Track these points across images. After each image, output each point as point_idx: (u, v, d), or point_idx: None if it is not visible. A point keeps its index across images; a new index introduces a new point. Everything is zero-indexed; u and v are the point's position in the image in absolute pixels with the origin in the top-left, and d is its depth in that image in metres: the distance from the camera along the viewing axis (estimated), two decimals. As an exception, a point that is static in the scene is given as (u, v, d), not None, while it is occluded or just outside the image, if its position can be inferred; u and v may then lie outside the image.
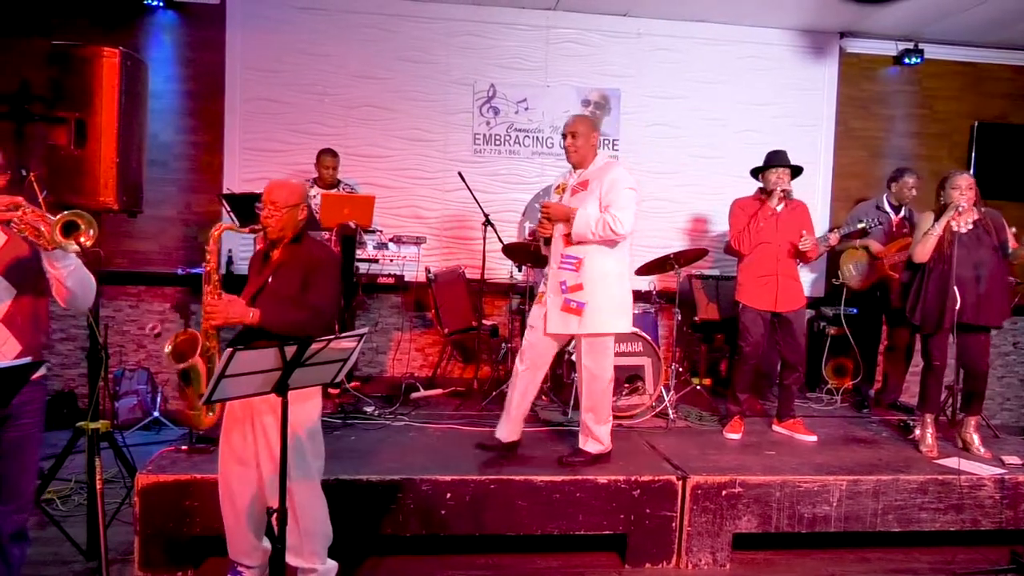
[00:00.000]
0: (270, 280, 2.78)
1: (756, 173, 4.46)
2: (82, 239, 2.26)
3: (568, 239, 3.51)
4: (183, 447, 3.55)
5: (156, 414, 5.32)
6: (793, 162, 4.36)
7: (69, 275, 2.37)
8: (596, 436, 3.64)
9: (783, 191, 4.27)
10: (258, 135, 5.84)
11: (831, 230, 5.10)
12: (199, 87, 5.84)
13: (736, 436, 4.29)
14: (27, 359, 2.32)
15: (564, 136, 3.61)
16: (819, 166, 6.31)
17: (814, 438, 4.27)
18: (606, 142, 6.19)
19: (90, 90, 3.35)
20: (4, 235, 2.37)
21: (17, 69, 5.42)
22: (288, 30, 5.83)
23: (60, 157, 3.36)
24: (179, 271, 5.76)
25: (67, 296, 2.42)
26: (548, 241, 3.64)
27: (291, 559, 2.74)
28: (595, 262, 3.50)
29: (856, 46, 6.42)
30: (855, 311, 5.26)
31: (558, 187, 3.77)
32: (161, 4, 5.64)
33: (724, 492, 3.49)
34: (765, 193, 4.34)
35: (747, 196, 4.49)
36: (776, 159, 4.36)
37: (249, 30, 5.79)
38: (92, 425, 3.11)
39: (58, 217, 2.24)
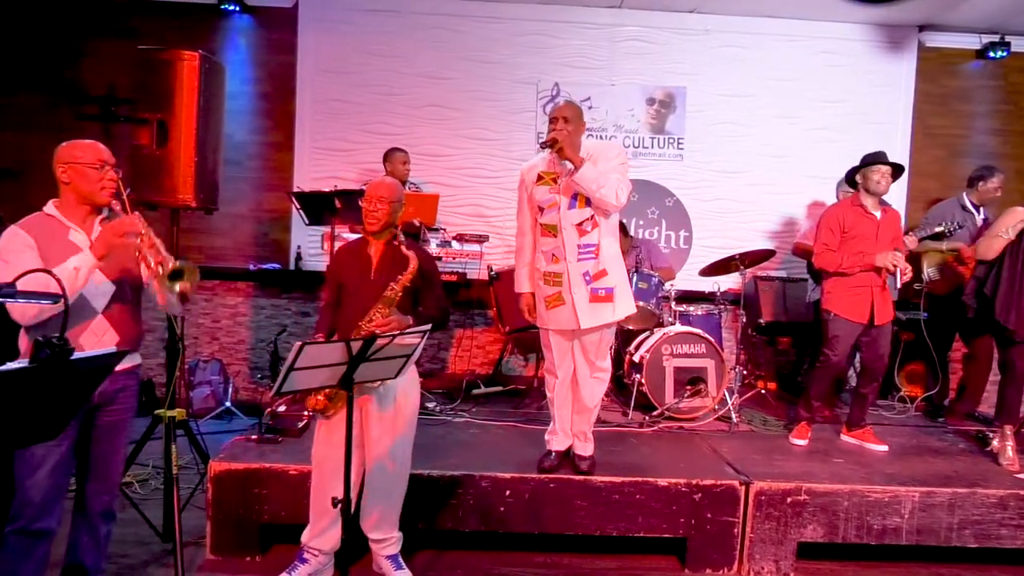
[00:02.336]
0: (374, 280, 2.92)
1: (853, 175, 4.19)
2: (185, 290, 2.42)
3: (581, 229, 3.30)
4: (253, 437, 3.68)
5: (228, 404, 5.51)
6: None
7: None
8: (590, 436, 3.56)
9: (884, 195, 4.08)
10: (327, 135, 5.99)
11: (906, 233, 4.91)
12: (272, 88, 6.03)
13: (803, 442, 4.17)
14: (118, 349, 2.45)
15: (554, 120, 3.27)
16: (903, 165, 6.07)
17: (885, 447, 4.12)
18: (671, 140, 6.12)
19: (171, 92, 3.50)
20: None
21: (103, 72, 5.71)
22: (357, 31, 5.96)
23: (143, 156, 3.52)
24: (251, 267, 5.96)
25: (162, 303, 2.58)
26: (553, 143, 3.21)
27: (376, 534, 3.01)
28: (609, 245, 3.35)
29: (936, 40, 6.15)
30: (927, 316, 5.03)
31: (540, 177, 3.36)
32: (237, 8, 5.84)
33: (789, 499, 3.41)
34: (867, 197, 4.09)
35: (841, 203, 4.23)
36: (882, 158, 4.09)
37: (320, 32, 5.95)
38: (169, 413, 3.25)
39: (170, 265, 2.39)
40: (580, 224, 3.30)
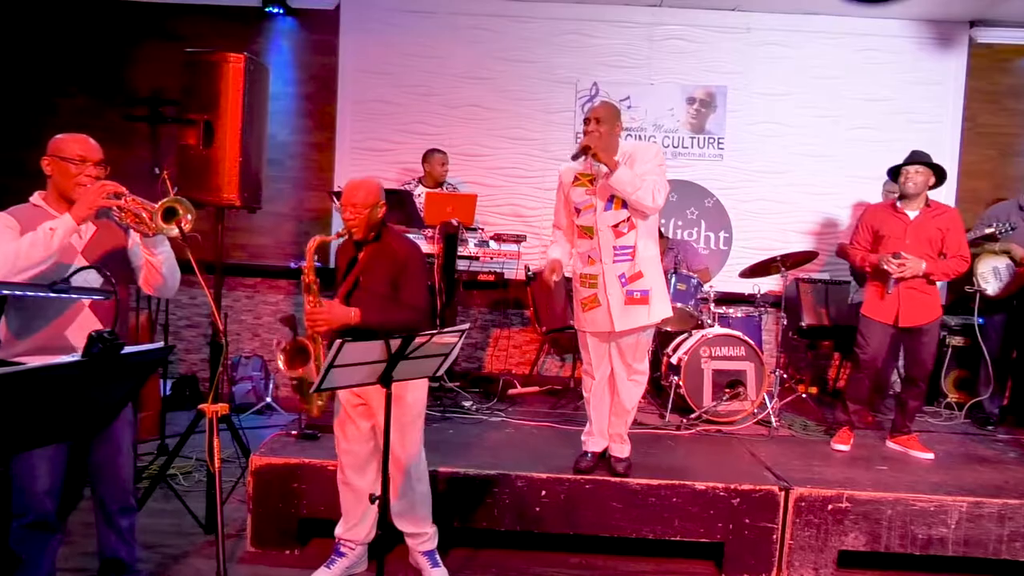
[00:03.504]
0: (360, 279, 2.90)
1: (893, 175, 4.14)
2: (182, 224, 2.38)
3: (617, 231, 3.29)
4: (293, 432, 3.74)
5: (268, 400, 5.62)
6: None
7: (164, 262, 2.53)
8: (627, 438, 3.55)
9: (917, 195, 4.00)
10: (367, 135, 6.05)
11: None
12: (314, 90, 6.11)
13: (844, 448, 4.09)
14: (157, 344, 2.51)
15: (586, 121, 3.30)
16: (943, 166, 5.90)
17: (931, 455, 4.01)
18: (711, 140, 6.06)
19: (217, 93, 3.58)
20: (94, 226, 2.51)
21: (150, 74, 5.85)
22: (397, 33, 6.00)
23: (189, 156, 3.61)
24: (292, 265, 6.05)
25: (159, 283, 2.57)
26: (586, 151, 3.20)
27: (405, 527, 3.04)
28: (646, 247, 3.32)
29: (988, 35, 5.96)
30: (982, 321, 4.87)
31: (577, 179, 3.37)
32: (281, 11, 5.94)
33: (830, 506, 3.35)
34: (902, 197, 4.05)
35: (880, 203, 4.23)
36: (909, 157, 4.04)
37: (360, 34, 6.01)
38: (212, 408, 3.31)
39: (159, 203, 2.36)
40: (616, 226, 3.29)
